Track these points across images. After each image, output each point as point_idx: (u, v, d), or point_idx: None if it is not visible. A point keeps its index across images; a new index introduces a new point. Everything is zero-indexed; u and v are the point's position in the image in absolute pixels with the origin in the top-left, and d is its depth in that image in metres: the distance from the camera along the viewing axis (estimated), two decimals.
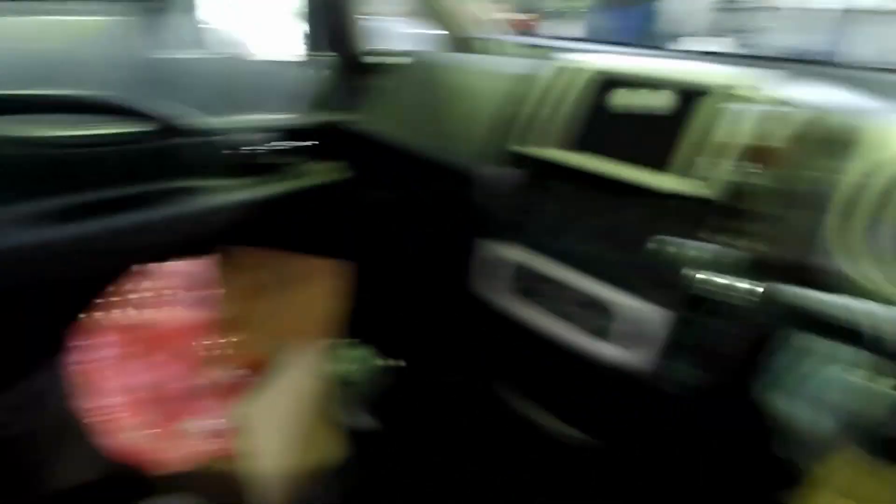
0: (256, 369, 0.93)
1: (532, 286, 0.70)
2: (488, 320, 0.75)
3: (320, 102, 1.09)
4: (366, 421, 1.00)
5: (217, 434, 0.86)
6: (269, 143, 0.98)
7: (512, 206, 0.74)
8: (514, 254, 0.73)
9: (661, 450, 0.68)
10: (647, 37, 5.85)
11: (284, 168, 1.01)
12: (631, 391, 0.63)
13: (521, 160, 0.73)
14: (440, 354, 0.99)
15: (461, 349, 0.89)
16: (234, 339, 0.93)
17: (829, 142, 0.53)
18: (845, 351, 0.45)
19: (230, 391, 0.90)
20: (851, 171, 0.52)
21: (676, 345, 0.58)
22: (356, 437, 0.95)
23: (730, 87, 0.59)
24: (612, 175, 0.64)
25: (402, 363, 1.06)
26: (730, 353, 0.55)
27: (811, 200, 0.53)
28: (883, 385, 0.42)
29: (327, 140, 1.06)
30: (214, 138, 0.91)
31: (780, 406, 0.50)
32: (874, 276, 0.49)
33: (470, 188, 0.79)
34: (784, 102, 0.56)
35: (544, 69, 0.76)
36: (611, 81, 0.69)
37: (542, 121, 0.73)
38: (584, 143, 0.69)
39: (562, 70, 0.73)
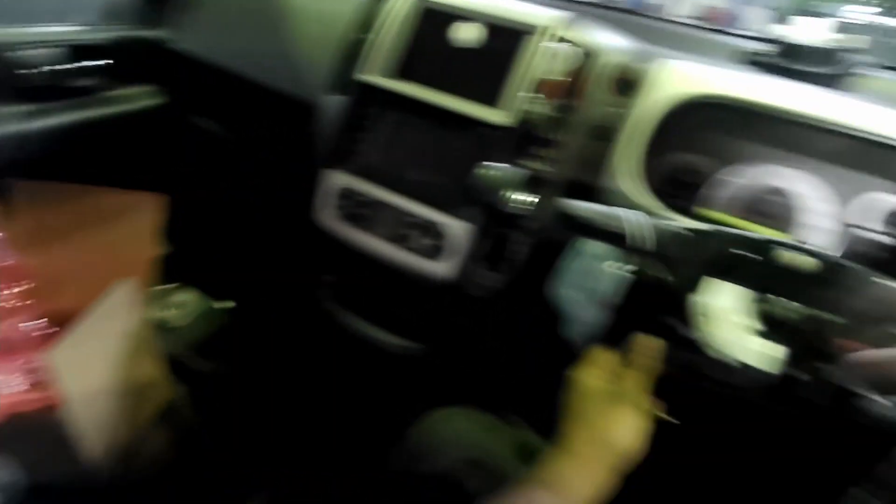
0: (63, 318, 0.83)
1: (360, 210, 0.74)
2: (324, 247, 0.77)
3: (124, 13, 0.94)
4: (199, 364, 0.97)
5: (22, 386, 0.77)
6: (66, 61, 0.83)
7: (345, 134, 0.75)
8: (345, 180, 0.75)
9: (473, 349, 0.79)
10: None
11: (89, 91, 0.88)
12: (446, 299, 0.71)
13: (356, 87, 0.74)
14: (277, 288, 0.99)
15: (299, 279, 0.91)
16: (34, 287, 0.82)
17: (617, 80, 0.64)
18: (610, 249, 0.57)
19: (33, 342, 0.80)
20: (633, 106, 0.63)
21: (481, 254, 0.67)
22: (190, 380, 0.92)
23: (535, 25, 0.66)
24: (436, 104, 0.69)
25: (233, 304, 1.04)
26: (526, 259, 0.66)
27: (597, 130, 0.63)
28: (626, 270, 0.54)
29: (136, 59, 0.93)
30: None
31: (561, 297, 0.61)
32: (639, 191, 0.62)
33: (309, 119, 0.78)
34: (580, 44, 0.65)
35: None
36: (438, 13, 0.72)
37: (378, 49, 0.74)
38: (415, 72, 0.72)
39: None
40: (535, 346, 0.73)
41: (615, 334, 0.59)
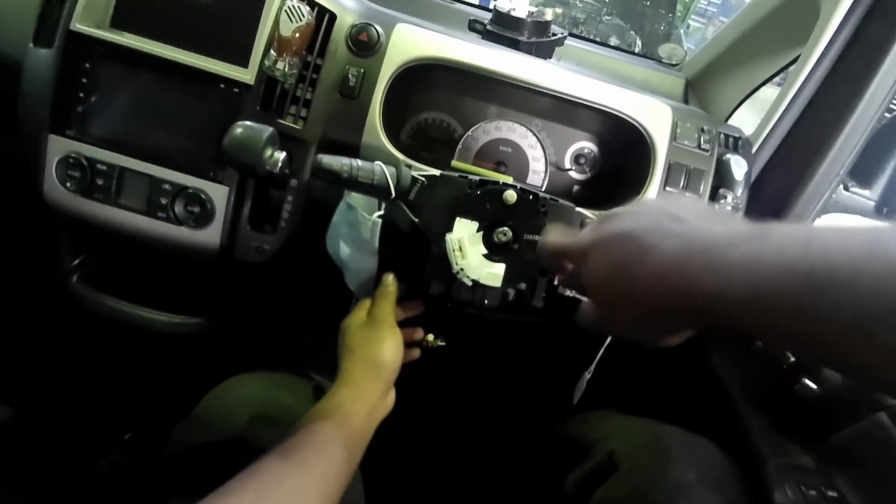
0: None
1: (98, 181, 0.66)
2: (64, 228, 0.67)
3: None
4: None
5: None
6: None
7: (61, 94, 0.65)
8: (71, 147, 0.66)
9: (255, 314, 0.79)
10: None
11: None
12: (217, 267, 0.69)
13: (66, 39, 0.64)
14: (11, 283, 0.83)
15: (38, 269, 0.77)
16: None
17: (355, 41, 0.67)
18: (368, 199, 0.62)
19: None
20: (371, 66, 0.67)
21: (246, 218, 0.67)
22: None
23: None
24: (173, 60, 0.64)
25: None
26: (299, 218, 0.68)
27: (342, 88, 0.67)
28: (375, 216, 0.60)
29: None
30: None
31: (332, 249, 0.65)
32: (388, 146, 0.68)
33: (16, 79, 0.65)
34: (319, 3, 0.66)
35: None
36: None
37: None
38: (144, 24, 0.65)
39: None
40: (318, 303, 0.76)
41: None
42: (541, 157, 0.82)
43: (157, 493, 0.51)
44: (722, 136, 0.76)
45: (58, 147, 0.65)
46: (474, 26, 0.93)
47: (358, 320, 0.58)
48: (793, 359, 0.68)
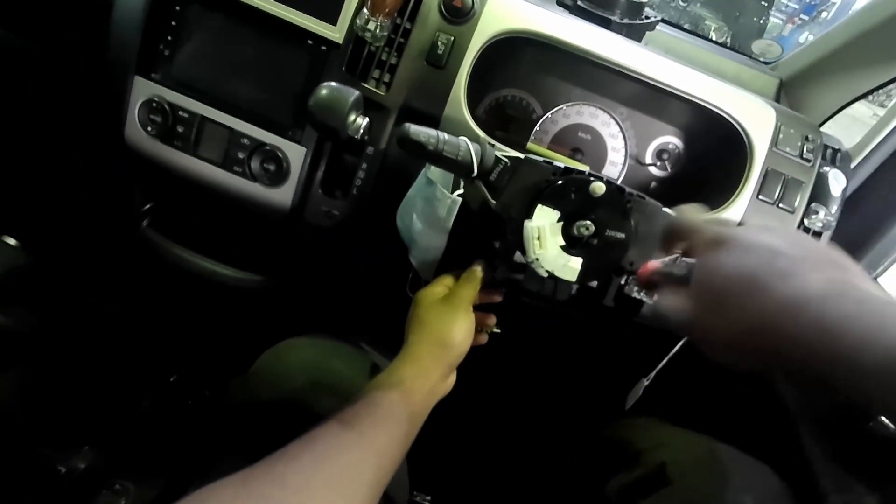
0: None
1: (178, 128, 0.65)
2: (139, 170, 0.67)
3: None
4: None
5: None
6: None
7: (149, 36, 0.64)
8: (155, 91, 0.65)
9: (319, 279, 0.79)
10: None
11: None
12: (287, 228, 0.69)
13: None
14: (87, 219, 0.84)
15: (112, 208, 0.78)
16: None
17: (448, 6, 0.64)
18: (446, 175, 0.60)
19: None
20: (461, 34, 0.64)
21: (315, 181, 0.66)
22: None
23: None
24: (262, 9, 0.62)
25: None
26: (371, 186, 0.66)
27: (430, 56, 0.64)
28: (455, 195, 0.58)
29: None
30: None
31: (404, 224, 0.63)
32: (469, 121, 0.65)
33: (107, 18, 0.64)
34: None
35: None
36: None
37: None
38: None
39: None
40: (381, 275, 0.75)
41: (454, 258, 0.64)
42: (621, 147, 0.78)
43: (213, 450, 0.51)
44: (825, 147, 0.71)
45: (142, 90, 0.65)
46: (564, 1, 0.88)
47: (434, 295, 0.56)
48: None
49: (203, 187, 0.66)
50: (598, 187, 0.55)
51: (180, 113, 0.64)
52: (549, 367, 0.92)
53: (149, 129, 0.65)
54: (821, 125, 0.96)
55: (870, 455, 0.62)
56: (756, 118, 0.67)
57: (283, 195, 0.65)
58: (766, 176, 0.66)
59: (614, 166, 0.79)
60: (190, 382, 0.93)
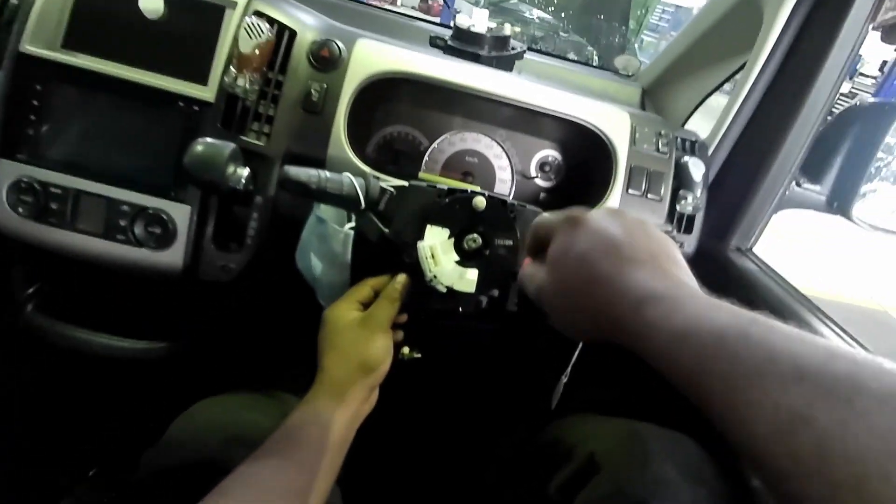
0: None
1: (51, 205, 0.63)
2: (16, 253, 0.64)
3: None
4: None
5: None
6: None
7: (10, 116, 0.62)
8: (21, 171, 0.63)
9: (225, 335, 0.77)
10: None
11: None
12: (182, 289, 0.67)
13: (15, 61, 0.62)
14: None
15: None
16: None
17: (317, 56, 0.67)
18: (337, 211, 0.62)
19: None
20: (334, 81, 0.67)
21: (206, 237, 0.65)
22: None
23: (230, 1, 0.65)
24: (129, 79, 0.62)
25: None
26: (265, 235, 0.66)
27: (305, 103, 0.66)
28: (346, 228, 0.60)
29: None
30: None
31: (302, 264, 0.64)
32: (354, 159, 0.68)
33: None
34: (279, 20, 0.66)
35: None
36: None
37: (42, 15, 0.62)
38: (95, 44, 0.63)
39: None
40: (288, 321, 0.74)
41: None
42: (507, 166, 0.83)
43: None
44: (679, 139, 0.79)
45: (8, 171, 0.62)
46: (436, 42, 0.95)
47: (346, 316, 0.55)
48: None
49: (88, 261, 0.64)
50: (480, 202, 0.59)
51: (52, 189, 0.62)
52: (477, 382, 0.93)
53: (20, 209, 0.62)
54: (685, 122, 1.08)
55: None
56: (614, 124, 0.74)
57: (173, 256, 0.64)
58: (631, 172, 0.73)
59: (504, 183, 0.84)
60: (111, 472, 0.86)
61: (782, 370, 0.25)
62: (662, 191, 0.74)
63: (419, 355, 0.76)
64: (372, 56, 0.69)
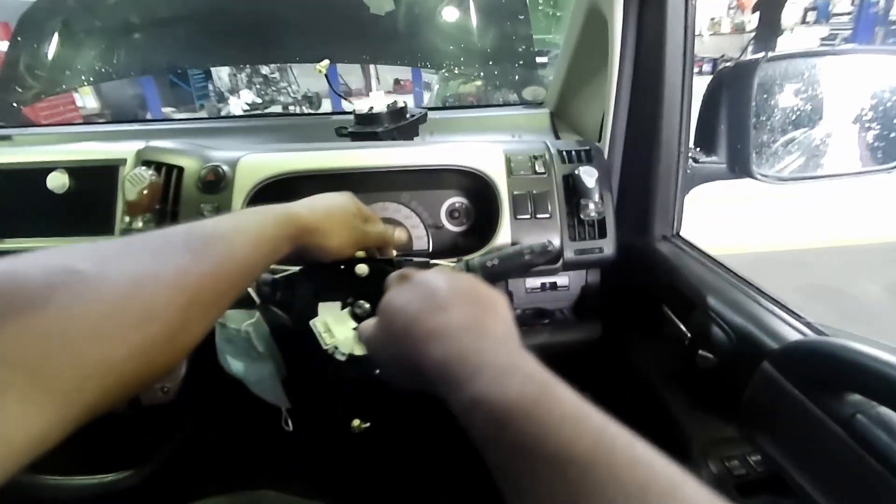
0: None
1: None
2: None
3: None
4: None
5: None
6: None
7: None
8: None
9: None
10: None
11: None
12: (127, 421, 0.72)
13: None
14: None
15: None
16: None
17: (204, 182, 0.75)
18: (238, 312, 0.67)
19: None
20: (224, 199, 0.75)
21: None
22: None
23: (116, 159, 0.75)
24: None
25: None
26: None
27: None
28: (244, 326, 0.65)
29: None
30: None
31: (225, 366, 0.69)
32: None
33: None
34: (162, 162, 0.75)
35: None
36: (18, 172, 0.75)
37: None
38: (16, 228, 0.73)
39: None
40: (232, 424, 0.79)
41: (297, 370, 0.69)
42: (418, 223, 0.88)
43: None
44: (565, 153, 0.82)
45: None
46: (341, 132, 1.03)
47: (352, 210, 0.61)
48: (689, 335, 0.69)
49: None
50: (361, 269, 0.63)
51: None
52: (436, 430, 0.93)
53: None
54: (602, 132, 1.11)
55: (714, 390, 0.65)
56: (488, 160, 0.78)
57: None
58: (515, 200, 0.76)
59: (420, 239, 0.88)
60: None
61: (555, 455, 0.26)
62: (551, 207, 0.76)
63: (368, 424, 0.78)
64: (255, 168, 0.77)
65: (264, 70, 5.89)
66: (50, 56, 1.40)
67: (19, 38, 1.43)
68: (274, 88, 5.99)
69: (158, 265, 0.35)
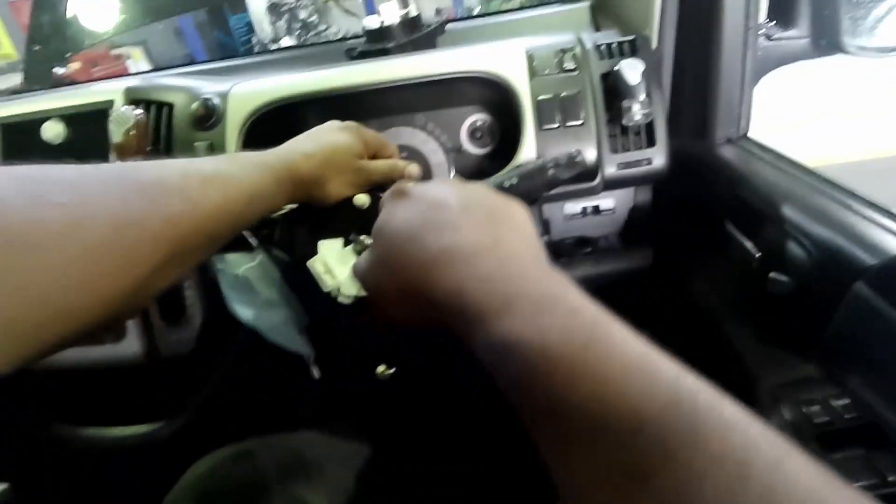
0: None
1: None
2: None
3: None
4: None
5: None
6: None
7: None
8: None
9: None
10: None
11: None
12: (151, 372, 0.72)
13: None
14: None
15: None
16: None
17: (198, 118, 0.69)
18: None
19: None
20: (219, 133, 0.69)
21: (150, 317, 0.69)
22: None
23: (105, 100, 0.70)
24: None
25: None
26: (201, 299, 0.69)
27: None
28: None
29: None
30: None
31: (242, 316, 0.65)
32: None
33: None
34: (151, 100, 0.70)
35: None
36: (16, 126, 0.72)
37: None
38: None
39: None
40: (258, 371, 0.76)
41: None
42: (436, 147, 0.78)
43: None
44: (604, 47, 0.68)
45: None
46: (350, 53, 0.93)
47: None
48: (759, 254, 0.57)
49: (45, 370, 0.70)
50: (360, 199, 0.56)
51: None
52: (464, 378, 0.87)
53: None
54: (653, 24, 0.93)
55: (790, 322, 0.54)
56: (506, 60, 0.66)
57: (129, 346, 0.69)
58: (539, 106, 0.64)
59: (440, 166, 0.78)
60: None
61: (618, 416, 0.20)
62: (584, 112, 0.63)
63: (393, 370, 0.73)
64: (248, 97, 0.69)
65: (302, 14, 5.74)
66: (69, 11, 1.37)
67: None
68: (314, 33, 5.86)
69: (147, 209, 0.31)
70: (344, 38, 1.20)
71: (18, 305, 0.25)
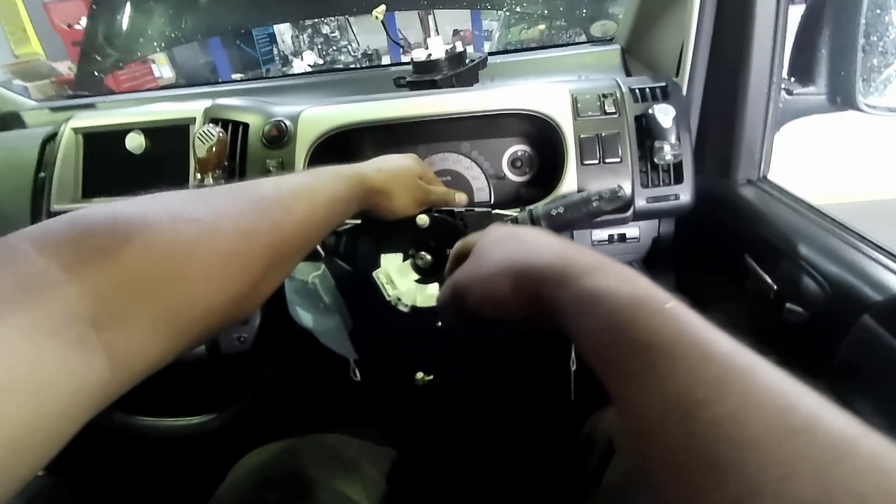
0: None
1: None
2: None
3: None
4: None
5: None
6: None
7: None
8: None
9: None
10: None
11: None
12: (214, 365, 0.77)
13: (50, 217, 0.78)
14: None
15: None
16: None
17: (268, 138, 0.76)
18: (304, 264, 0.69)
19: None
20: (289, 153, 0.76)
21: None
22: None
23: (187, 118, 0.77)
24: None
25: None
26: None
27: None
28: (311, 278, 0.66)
29: None
30: None
31: (296, 319, 0.71)
32: None
33: None
34: (228, 119, 0.77)
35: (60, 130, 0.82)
36: (99, 136, 0.79)
37: (60, 179, 0.79)
38: (101, 189, 0.79)
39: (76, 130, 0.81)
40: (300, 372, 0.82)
41: (363, 322, 0.71)
42: (479, 174, 0.85)
43: None
44: (638, 91, 0.76)
45: None
46: (399, 82, 1.01)
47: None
48: (776, 287, 0.63)
49: None
50: (422, 219, 0.62)
51: None
52: (501, 388, 0.93)
53: None
54: (680, 67, 1.01)
55: (802, 348, 0.60)
56: (552, 101, 0.73)
57: None
58: (581, 143, 0.71)
59: (482, 191, 0.85)
60: None
61: (691, 351, 0.25)
62: (622, 151, 0.70)
63: (431, 377, 0.79)
64: (316, 121, 0.77)
65: (325, 30, 5.91)
66: (124, 25, 1.46)
67: (95, 8, 1.50)
68: (335, 48, 6.02)
69: (257, 220, 0.37)
70: (365, 54, 1.28)
71: (173, 307, 0.30)
